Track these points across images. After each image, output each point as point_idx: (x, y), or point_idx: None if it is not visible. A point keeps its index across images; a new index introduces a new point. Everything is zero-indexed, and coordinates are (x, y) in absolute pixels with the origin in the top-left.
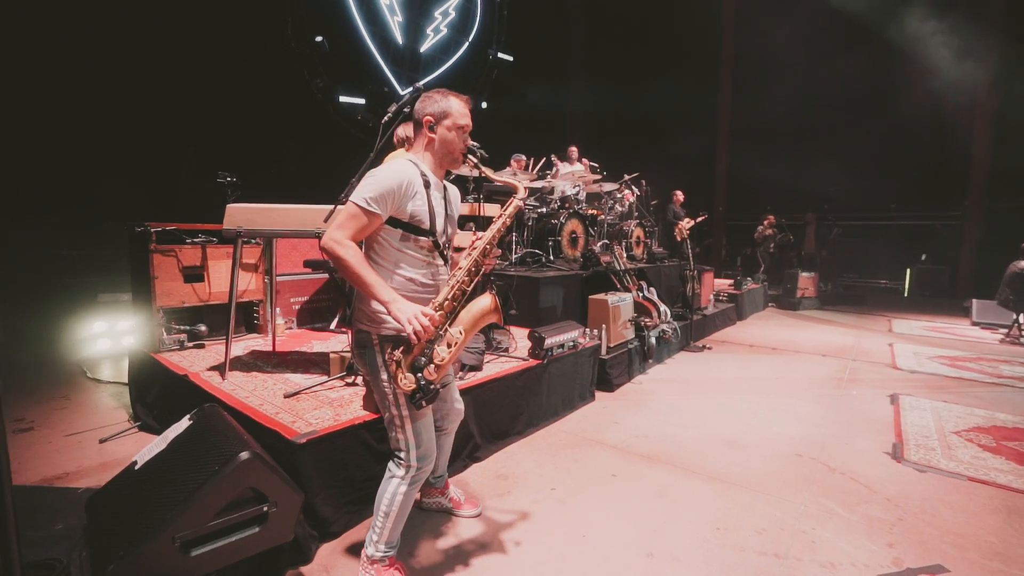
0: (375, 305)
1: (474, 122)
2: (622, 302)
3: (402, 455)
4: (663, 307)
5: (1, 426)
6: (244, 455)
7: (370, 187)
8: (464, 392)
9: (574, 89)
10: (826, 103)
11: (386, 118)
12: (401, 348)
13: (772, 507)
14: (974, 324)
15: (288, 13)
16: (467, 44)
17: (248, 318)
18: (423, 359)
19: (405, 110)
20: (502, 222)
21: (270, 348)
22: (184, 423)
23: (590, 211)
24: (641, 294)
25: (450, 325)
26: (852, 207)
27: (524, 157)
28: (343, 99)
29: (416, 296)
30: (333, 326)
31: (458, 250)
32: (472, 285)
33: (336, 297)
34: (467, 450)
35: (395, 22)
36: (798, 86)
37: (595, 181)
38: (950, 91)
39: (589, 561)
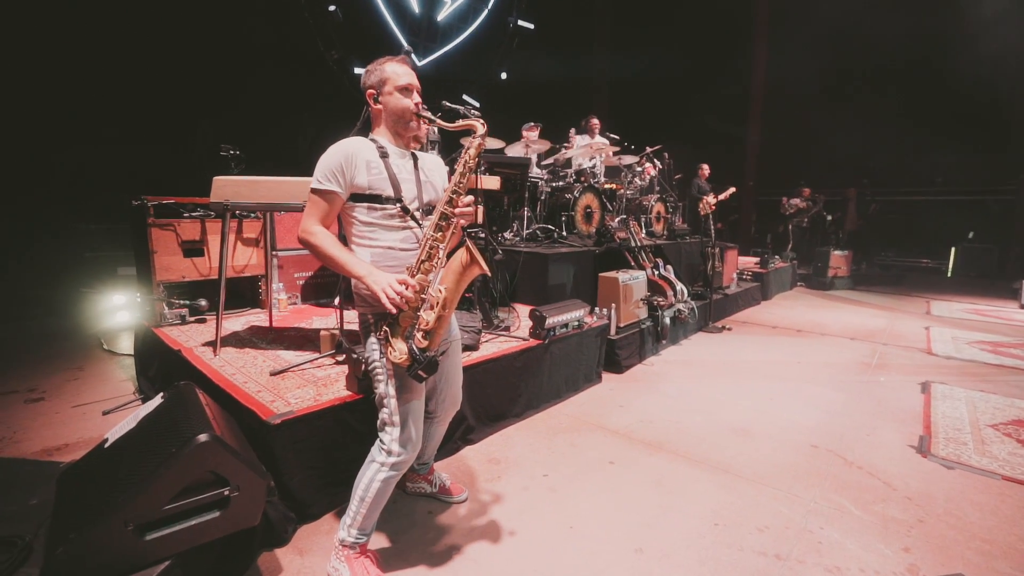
0: (356, 283)
1: (487, 91)
2: (634, 280)
3: (385, 439)
4: (680, 286)
5: None
6: (202, 437)
7: (319, 170)
8: None
9: (597, 58)
10: (869, 68)
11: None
12: (388, 320)
13: (778, 503)
14: (1023, 307)
15: None
16: (486, 11)
17: (253, 293)
18: (410, 328)
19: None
20: (464, 164)
21: (265, 324)
22: (156, 401)
23: (608, 185)
24: (656, 272)
25: (430, 285)
26: (893, 181)
27: (535, 124)
28: (358, 71)
29: (400, 265)
30: (336, 302)
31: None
32: (447, 240)
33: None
34: (460, 431)
35: None
36: (839, 49)
37: (614, 154)
38: (1010, 53)
39: (574, 555)
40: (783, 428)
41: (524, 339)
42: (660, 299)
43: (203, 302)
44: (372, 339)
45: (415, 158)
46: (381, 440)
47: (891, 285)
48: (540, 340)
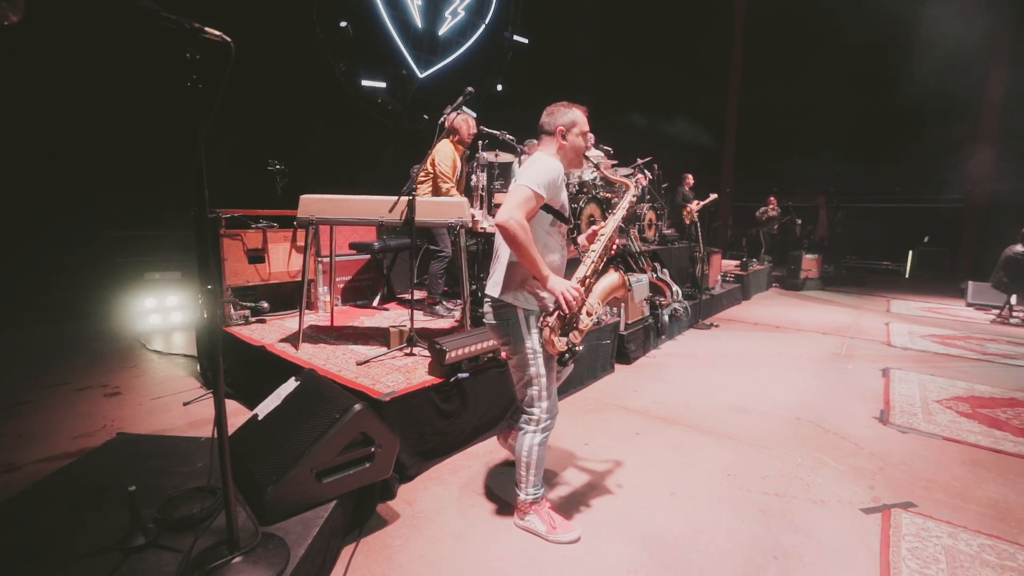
0: (522, 283)
1: (484, 102)
2: (638, 282)
3: (534, 410)
4: (675, 287)
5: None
6: (357, 407)
7: (538, 175)
8: (508, 361)
9: (585, 73)
10: (833, 87)
11: (443, 119)
12: (555, 315)
13: (773, 459)
14: (968, 305)
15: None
16: (483, 26)
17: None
18: (571, 324)
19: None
20: (620, 215)
21: (327, 323)
22: (292, 384)
23: (606, 195)
24: (656, 275)
25: (588, 296)
26: (857, 190)
27: (537, 143)
28: (365, 83)
29: (554, 272)
30: (375, 303)
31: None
32: (603, 265)
33: (376, 276)
34: (509, 413)
35: (415, 5)
36: (805, 70)
37: (612, 166)
38: (956, 74)
39: (625, 500)
40: (772, 405)
41: None
42: (661, 299)
43: (265, 304)
44: (529, 330)
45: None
46: (530, 413)
47: (856, 286)
48: None
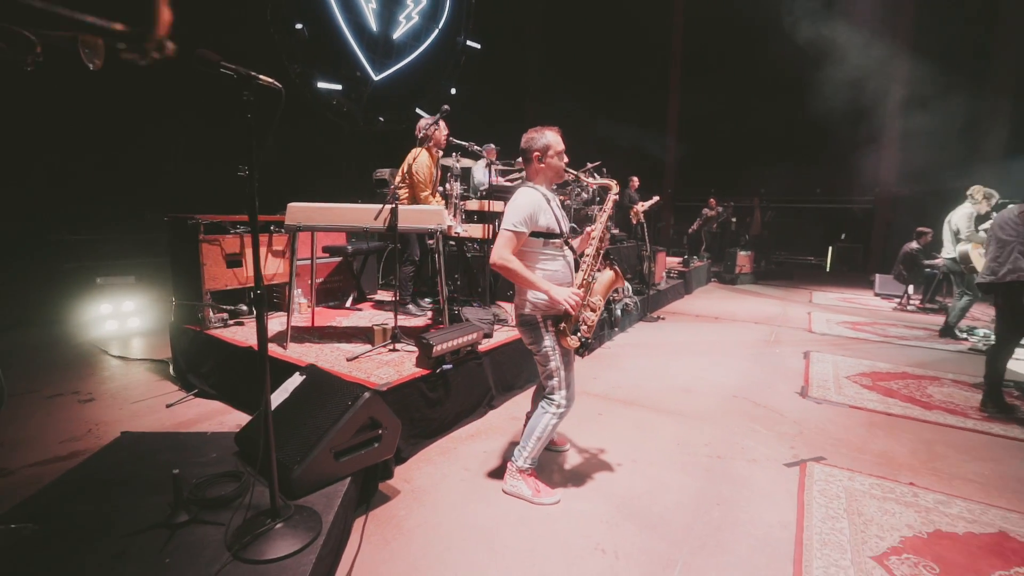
0: (536, 295)
1: (438, 105)
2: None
3: (555, 397)
4: (626, 284)
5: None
6: (366, 395)
7: (514, 214)
8: (484, 354)
9: (532, 80)
10: (764, 95)
11: (420, 133)
12: (563, 320)
13: (715, 429)
14: (876, 295)
15: (268, 1)
16: (437, 31)
17: (279, 298)
18: (578, 324)
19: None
20: (607, 215)
21: (306, 323)
22: (297, 379)
23: (561, 198)
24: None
25: (590, 296)
26: (785, 191)
27: (494, 147)
28: (321, 85)
29: (558, 280)
30: (348, 304)
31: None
32: (598, 264)
33: (347, 278)
34: (485, 400)
35: (370, 9)
36: (739, 79)
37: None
38: (863, 86)
39: (594, 468)
40: (713, 386)
41: None
42: (615, 294)
43: (244, 307)
44: (545, 332)
45: (553, 198)
46: (551, 399)
47: (784, 279)
48: None
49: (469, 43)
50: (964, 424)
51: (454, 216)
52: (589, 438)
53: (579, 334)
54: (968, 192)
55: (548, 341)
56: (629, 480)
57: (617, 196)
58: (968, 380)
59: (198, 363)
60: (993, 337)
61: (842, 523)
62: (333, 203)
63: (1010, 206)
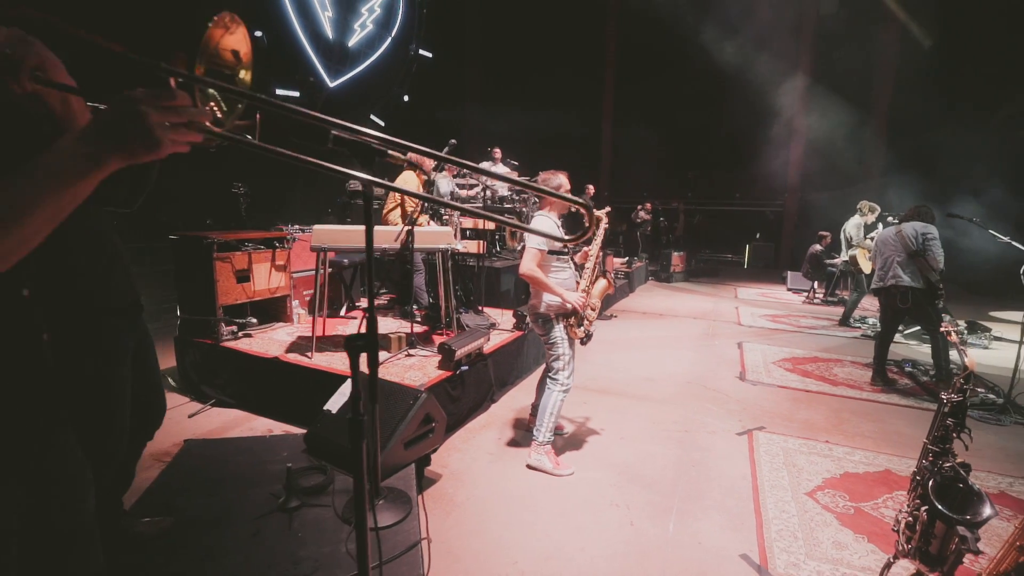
0: (551, 297)
1: (390, 112)
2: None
3: (559, 376)
4: None
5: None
6: (424, 394)
7: (538, 239)
8: (488, 355)
9: (474, 89)
10: (688, 105)
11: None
12: (572, 316)
13: (679, 409)
14: (788, 290)
15: (226, 8)
16: (390, 39)
17: (276, 310)
18: (582, 319)
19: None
20: (600, 240)
21: (308, 333)
22: (349, 384)
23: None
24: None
25: (590, 298)
26: (709, 195)
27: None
28: (279, 91)
29: (567, 286)
30: (342, 313)
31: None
32: (596, 276)
33: (338, 289)
34: (488, 395)
35: (326, 17)
36: (668, 87)
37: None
38: (772, 99)
39: (592, 445)
40: (670, 374)
41: (511, 331)
42: None
43: (254, 320)
44: (556, 325)
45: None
46: (556, 379)
47: (710, 276)
48: (522, 331)
49: (421, 52)
50: (860, 396)
51: (455, 235)
52: (581, 423)
53: (583, 327)
54: (857, 206)
55: (558, 332)
56: (623, 453)
57: (608, 226)
58: (862, 361)
59: (213, 374)
60: (879, 326)
61: (782, 472)
62: (351, 225)
63: (890, 227)
